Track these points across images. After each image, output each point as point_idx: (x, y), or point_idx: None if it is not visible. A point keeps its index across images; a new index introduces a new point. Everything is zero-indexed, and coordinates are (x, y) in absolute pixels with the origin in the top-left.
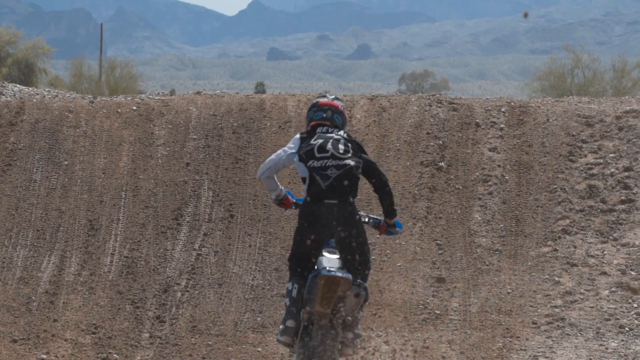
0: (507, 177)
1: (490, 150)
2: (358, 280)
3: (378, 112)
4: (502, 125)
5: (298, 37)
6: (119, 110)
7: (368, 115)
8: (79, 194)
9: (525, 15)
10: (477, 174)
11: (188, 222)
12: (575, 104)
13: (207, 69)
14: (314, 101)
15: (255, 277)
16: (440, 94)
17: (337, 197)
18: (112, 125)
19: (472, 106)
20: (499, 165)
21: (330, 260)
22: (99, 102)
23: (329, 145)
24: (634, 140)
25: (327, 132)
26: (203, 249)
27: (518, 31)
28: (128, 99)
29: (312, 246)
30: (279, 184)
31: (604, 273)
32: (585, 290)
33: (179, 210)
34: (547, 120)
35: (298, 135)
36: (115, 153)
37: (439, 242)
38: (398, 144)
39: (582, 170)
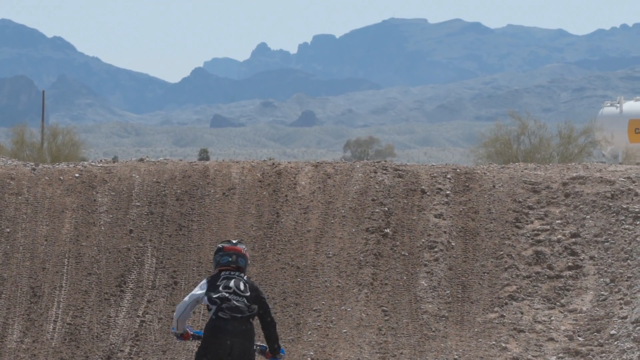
0: (453, 244)
1: (436, 216)
2: None
3: (323, 179)
4: (447, 192)
5: (242, 104)
6: (61, 178)
7: (313, 182)
8: (21, 261)
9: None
10: (423, 240)
11: (131, 289)
12: (522, 171)
13: (150, 136)
14: (220, 246)
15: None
16: (385, 161)
17: (240, 321)
18: (54, 192)
19: (417, 173)
20: (445, 232)
21: None
22: (41, 169)
23: (232, 284)
24: (581, 206)
25: (230, 274)
26: (147, 315)
27: (463, 98)
28: (70, 166)
29: (216, 357)
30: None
31: (552, 339)
32: (533, 356)
33: (122, 277)
34: (493, 186)
35: (205, 280)
36: (58, 220)
37: (384, 308)
38: (343, 211)
39: (528, 237)
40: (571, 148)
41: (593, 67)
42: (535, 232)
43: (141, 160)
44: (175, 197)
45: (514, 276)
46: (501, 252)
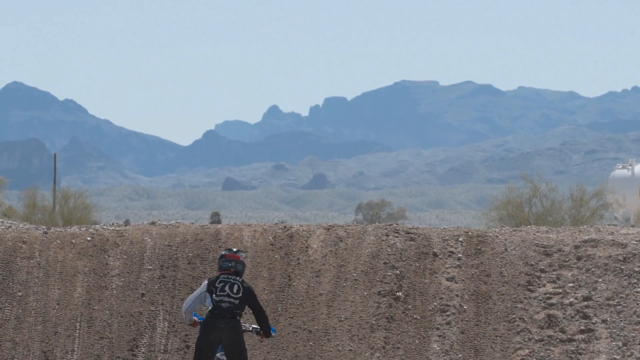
0: (465, 307)
1: (448, 280)
2: None
3: (335, 242)
4: (459, 255)
5: (253, 167)
6: (73, 241)
7: (325, 245)
8: (33, 325)
9: None
10: (435, 303)
11: (144, 353)
12: (534, 234)
13: (161, 199)
14: (223, 253)
15: None
16: (397, 224)
17: (227, 318)
18: (66, 256)
19: (429, 236)
20: (457, 295)
21: None
22: (53, 232)
23: (227, 288)
24: (593, 269)
25: (228, 278)
26: None
27: (475, 160)
28: (82, 229)
29: (208, 347)
30: (192, 314)
31: None
32: None
33: (135, 341)
34: (505, 249)
35: (206, 281)
36: (70, 284)
37: None
38: (355, 274)
39: (540, 300)
40: (583, 211)
41: (604, 130)
42: (548, 295)
43: (153, 223)
44: (187, 261)
45: (526, 340)
46: (513, 316)
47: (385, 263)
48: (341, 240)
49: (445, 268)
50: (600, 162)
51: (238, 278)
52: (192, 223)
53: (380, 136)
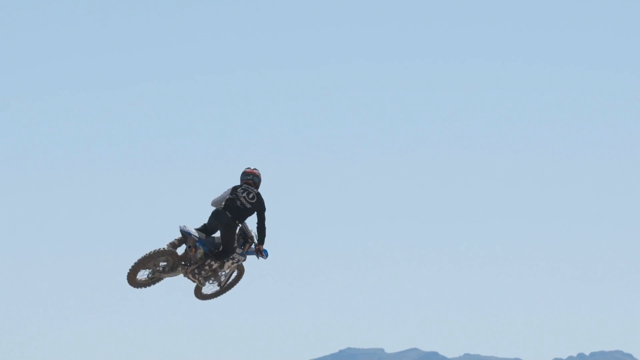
0: None
1: None
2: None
3: None
4: None
5: None
6: None
7: None
8: None
9: None
10: None
11: None
12: None
13: None
14: (244, 170)
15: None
16: None
17: (233, 215)
18: None
19: None
20: None
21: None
22: None
23: (245, 194)
24: None
25: (248, 187)
26: None
27: None
28: None
29: (213, 224)
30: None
31: None
32: None
33: None
34: None
35: (232, 186)
36: None
37: None
38: None
39: None
40: None
41: None
42: None
43: None
44: None
45: None
46: None
47: None
48: None
49: None
50: None
51: (255, 189)
52: None
53: None
